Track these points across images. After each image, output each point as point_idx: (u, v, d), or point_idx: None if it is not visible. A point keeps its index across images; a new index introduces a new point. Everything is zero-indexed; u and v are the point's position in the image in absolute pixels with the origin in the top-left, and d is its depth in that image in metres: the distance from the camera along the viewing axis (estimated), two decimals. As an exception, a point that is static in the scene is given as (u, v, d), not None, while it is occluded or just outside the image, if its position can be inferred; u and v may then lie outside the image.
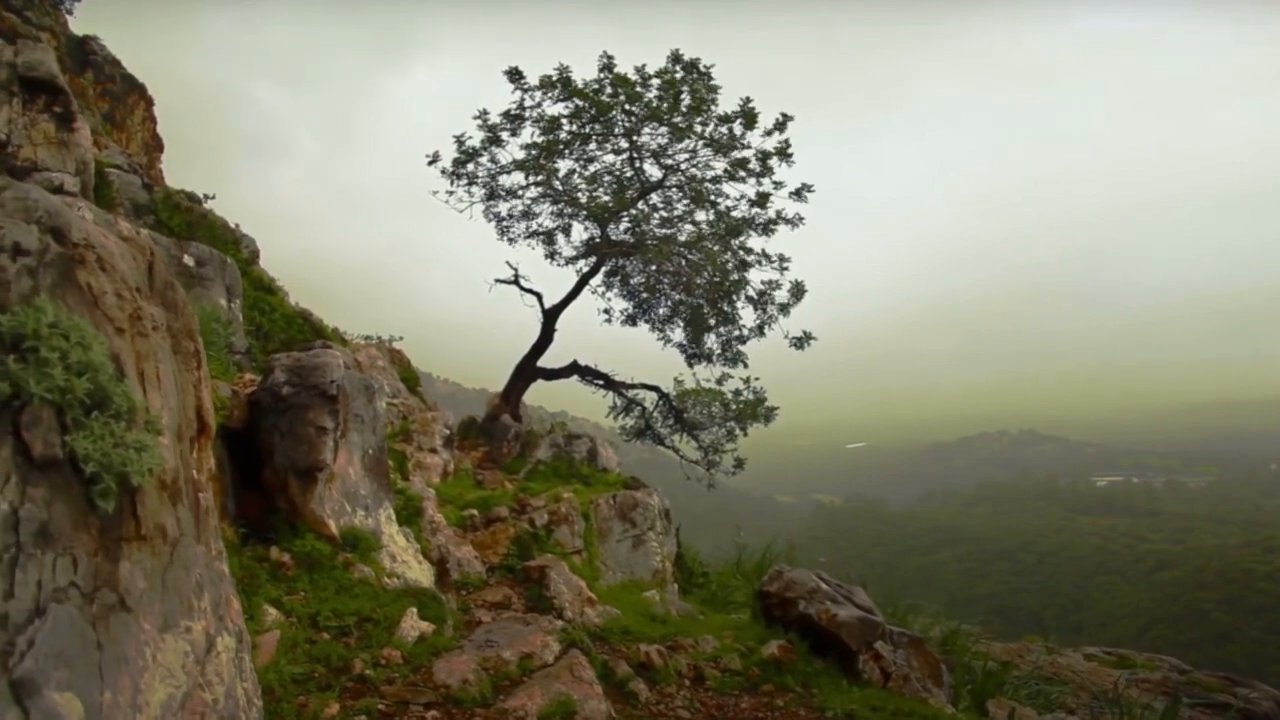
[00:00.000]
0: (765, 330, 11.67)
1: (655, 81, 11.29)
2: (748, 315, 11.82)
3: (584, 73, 11.28)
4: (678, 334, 12.53)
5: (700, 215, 11.80)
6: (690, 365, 12.40)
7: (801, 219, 11.50)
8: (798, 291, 11.17)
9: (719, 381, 12.58)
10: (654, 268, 11.70)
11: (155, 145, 16.17)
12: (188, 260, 5.45)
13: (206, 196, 8.34)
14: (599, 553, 6.03)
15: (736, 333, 12.05)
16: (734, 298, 11.71)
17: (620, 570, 6.09)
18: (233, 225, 8.65)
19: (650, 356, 12.76)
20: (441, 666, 3.73)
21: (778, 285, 11.46)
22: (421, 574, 4.53)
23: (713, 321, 12.05)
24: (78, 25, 12.98)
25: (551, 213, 11.61)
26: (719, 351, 12.29)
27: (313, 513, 4.28)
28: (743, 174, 11.46)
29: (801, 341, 11.45)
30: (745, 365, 12.21)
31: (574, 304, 12.12)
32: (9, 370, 1.50)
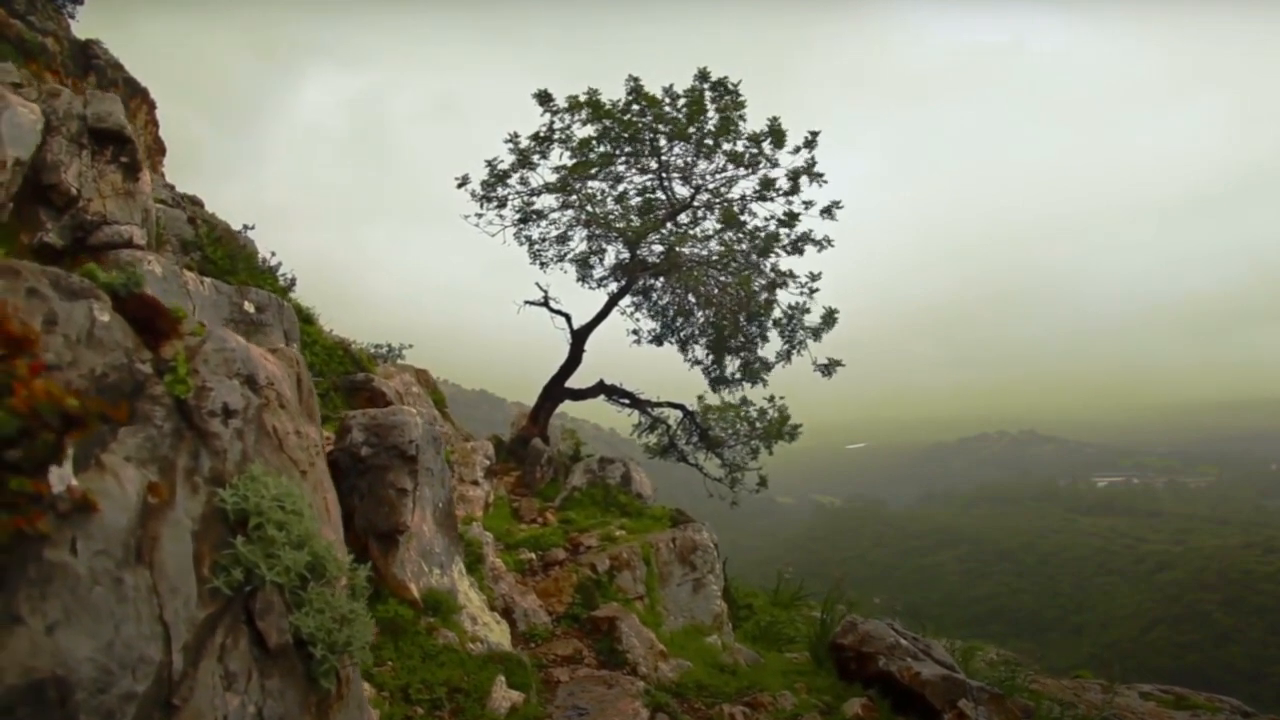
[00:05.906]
0: (792, 356, 11.54)
1: (683, 100, 11.23)
2: (774, 339, 11.73)
3: (609, 90, 11.23)
4: (701, 353, 12.47)
5: (729, 234, 11.73)
6: (714, 389, 12.35)
7: (830, 241, 11.44)
8: (829, 319, 11.02)
9: (742, 401, 12.54)
10: (682, 287, 11.62)
11: (157, 149, 16.02)
12: (248, 307, 5.39)
13: (246, 227, 8.25)
14: (660, 597, 5.98)
15: (757, 357, 11.96)
16: (762, 320, 11.63)
17: (681, 615, 6.04)
18: (270, 254, 8.57)
19: (668, 373, 12.70)
20: (538, 741, 3.68)
21: (807, 309, 11.36)
22: (502, 635, 4.47)
23: (735, 344, 11.95)
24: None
25: (585, 236, 11.53)
26: (740, 376, 12.22)
27: (394, 576, 4.22)
28: (771, 193, 11.40)
29: (829, 368, 11.35)
30: (765, 384, 12.15)
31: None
32: (239, 554, 1.44)
